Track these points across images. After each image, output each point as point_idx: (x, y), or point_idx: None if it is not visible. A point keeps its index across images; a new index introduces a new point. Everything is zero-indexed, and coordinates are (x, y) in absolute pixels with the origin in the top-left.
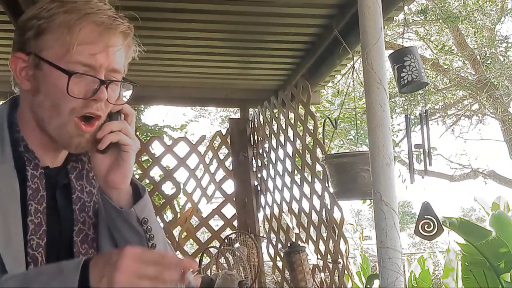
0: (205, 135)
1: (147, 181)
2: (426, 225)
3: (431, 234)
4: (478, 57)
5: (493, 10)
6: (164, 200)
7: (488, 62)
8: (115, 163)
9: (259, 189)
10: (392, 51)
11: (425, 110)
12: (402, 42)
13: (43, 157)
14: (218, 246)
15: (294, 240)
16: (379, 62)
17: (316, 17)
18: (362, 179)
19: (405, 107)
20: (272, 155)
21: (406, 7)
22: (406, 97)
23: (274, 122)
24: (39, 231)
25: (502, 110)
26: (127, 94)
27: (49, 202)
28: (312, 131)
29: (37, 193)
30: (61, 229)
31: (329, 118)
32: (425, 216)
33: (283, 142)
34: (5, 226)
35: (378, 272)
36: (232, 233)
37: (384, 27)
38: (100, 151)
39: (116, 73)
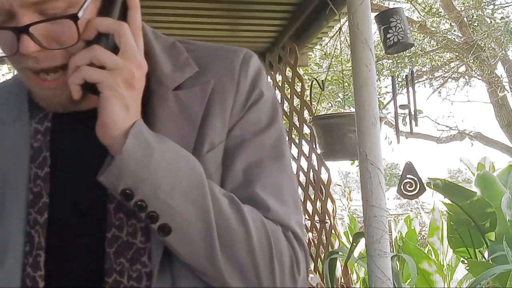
0: None
1: None
2: (408, 185)
3: (413, 193)
4: (465, 19)
5: None
6: None
7: (475, 24)
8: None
9: None
10: (379, 12)
11: (411, 71)
12: (388, 4)
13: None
14: None
15: None
16: (365, 23)
17: None
18: (349, 139)
19: (392, 69)
20: None
21: None
22: (394, 60)
23: None
24: (37, 203)
25: (489, 72)
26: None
27: (61, 162)
28: (299, 93)
29: (39, 154)
30: (81, 199)
31: (316, 80)
32: (408, 176)
33: None
34: (2, 198)
35: (364, 230)
36: None
37: None
38: (94, 93)
39: (44, 4)
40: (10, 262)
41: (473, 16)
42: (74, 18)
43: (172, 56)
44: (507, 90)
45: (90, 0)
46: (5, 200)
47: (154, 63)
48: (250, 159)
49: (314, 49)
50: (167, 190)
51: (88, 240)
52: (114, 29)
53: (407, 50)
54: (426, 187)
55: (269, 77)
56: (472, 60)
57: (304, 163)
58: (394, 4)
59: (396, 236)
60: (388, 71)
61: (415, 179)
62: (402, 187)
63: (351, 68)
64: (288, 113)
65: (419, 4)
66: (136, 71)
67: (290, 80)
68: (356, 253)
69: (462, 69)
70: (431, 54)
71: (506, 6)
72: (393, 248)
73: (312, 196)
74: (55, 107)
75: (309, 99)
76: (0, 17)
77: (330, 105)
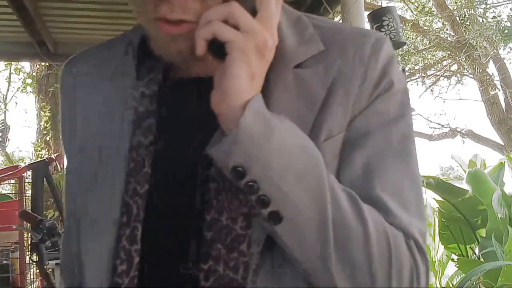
0: None
1: None
2: None
3: None
4: (457, 18)
5: None
6: None
7: (467, 23)
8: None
9: None
10: (372, 11)
11: (403, 69)
12: (381, 3)
13: (188, 64)
14: None
15: None
16: (358, 21)
17: None
18: None
19: None
20: None
21: None
22: None
23: None
24: (138, 173)
25: (480, 70)
26: None
27: (167, 132)
28: None
29: (144, 120)
30: (185, 173)
31: None
32: None
33: None
34: (98, 163)
35: None
36: None
37: None
38: (214, 57)
39: None
40: (103, 232)
41: (465, 15)
42: None
43: (298, 29)
44: (498, 89)
45: None
46: (99, 168)
47: (278, 36)
48: (372, 153)
49: None
50: (280, 173)
51: (186, 220)
52: None
53: (400, 49)
54: None
55: None
56: (464, 59)
57: None
58: (387, 3)
59: None
60: None
61: None
62: None
63: None
64: None
65: (412, 3)
66: (269, 39)
67: None
68: None
69: (454, 67)
70: (424, 52)
71: (498, 6)
72: None
73: None
74: (171, 56)
75: None
76: None
77: None
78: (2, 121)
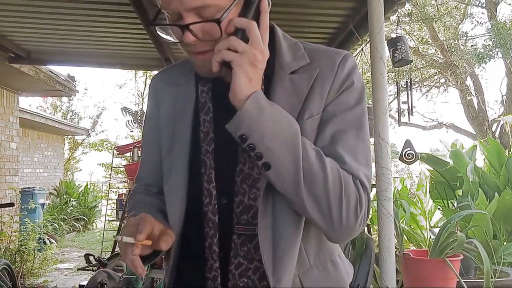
0: None
1: None
2: (407, 155)
3: (411, 160)
4: (446, 46)
5: (457, 14)
6: None
7: (453, 50)
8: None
9: None
10: (390, 39)
11: (410, 79)
12: (395, 34)
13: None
14: None
15: None
16: (381, 45)
17: (337, 15)
18: (369, 123)
19: (395, 79)
20: None
21: (399, 10)
22: (395, 72)
23: None
24: (207, 139)
25: (461, 82)
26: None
27: (218, 114)
28: None
29: (205, 106)
30: (227, 138)
31: None
32: (407, 149)
33: None
34: (172, 136)
35: (375, 183)
36: None
37: (383, 23)
38: (225, 71)
39: (200, 9)
40: (175, 181)
41: (451, 44)
42: (218, 21)
43: (293, 51)
44: (473, 95)
45: (234, 6)
46: (174, 139)
47: (279, 54)
48: (337, 128)
49: None
50: (270, 138)
51: (226, 170)
52: (246, 26)
53: (406, 66)
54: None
55: None
56: (449, 74)
57: None
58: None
59: (394, 191)
60: (391, 80)
61: (412, 151)
62: (403, 156)
63: (369, 76)
64: None
65: (414, 35)
66: (258, 55)
67: None
68: None
69: (442, 80)
70: (421, 69)
71: (475, 38)
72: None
73: None
74: (205, 73)
75: None
76: (173, 17)
77: None
78: (141, 110)
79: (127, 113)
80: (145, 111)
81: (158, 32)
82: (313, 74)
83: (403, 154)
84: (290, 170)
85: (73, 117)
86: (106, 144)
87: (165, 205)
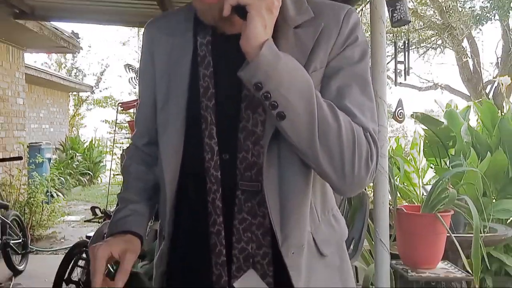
0: None
1: None
2: (399, 113)
3: (402, 119)
4: (444, 8)
5: None
6: None
7: (451, 11)
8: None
9: None
10: None
11: (408, 40)
12: None
13: (223, 25)
14: None
15: None
16: (381, 5)
17: None
18: None
19: (393, 39)
20: None
21: None
22: (394, 33)
23: None
24: (207, 94)
25: (457, 44)
26: None
27: (219, 68)
28: None
29: (204, 59)
30: (229, 93)
31: None
32: (399, 108)
33: None
34: (167, 89)
35: None
36: None
37: None
38: (238, 16)
39: None
40: (171, 135)
41: (449, 6)
42: None
43: (297, 4)
44: (469, 57)
45: None
46: (170, 91)
47: (283, 8)
48: (342, 82)
49: None
50: (287, 87)
51: (229, 126)
52: None
53: (404, 26)
54: (410, 118)
55: None
56: (447, 36)
57: None
58: None
59: (389, 149)
60: (389, 41)
61: (403, 110)
62: (396, 115)
63: (369, 36)
64: None
65: None
66: (275, 1)
67: None
68: None
69: (439, 42)
70: (419, 31)
71: (472, 0)
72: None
73: None
74: (209, 20)
75: None
76: None
77: None
78: None
79: (130, 70)
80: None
81: None
82: (317, 29)
83: (396, 113)
84: (305, 120)
85: (77, 74)
86: (110, 101)
87: (153, 179)
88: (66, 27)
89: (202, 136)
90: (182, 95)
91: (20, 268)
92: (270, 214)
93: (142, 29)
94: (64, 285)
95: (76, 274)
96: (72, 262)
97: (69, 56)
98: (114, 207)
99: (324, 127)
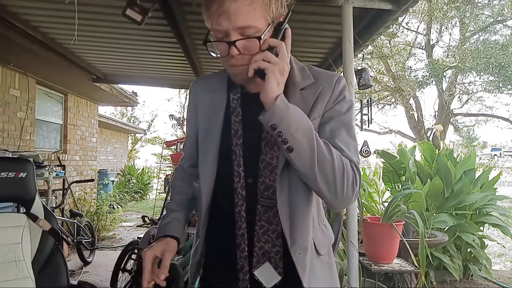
0: None
1: None
2: (365, 151)
3: (367, 155)
4: (395, 76)
5: (404, 54)
6: None
7: (401, 78)
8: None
9: None
10: (356, 69)
11: (370, 98)
12: (361, 65)
13: (248, 85)
14: None
15: None
16: (351, 74)
17: (320, 53)
18: None
19: (359, 98)
20: None
21: (364, 49)
22: (360, 94)
23: None
24: (236, 135)
25: (406, 101)
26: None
27: (246, 116)
28: None
29: (235, 110)
30: (253, 135)
31: None
32: (364, 146)
33: None
34: (207, 129)
35: None
36: None
37: (353, 58)
38: (259, 78)
39: (244, 29)
40: (208, 161)
41: (400, 75)
42: (259, 38)
43: (301, 72)
44: (414, 111)
45: (268, 29)
46: (208, 131)
47: (291, 74)
48: (334, 127)
49: None
50: (294, 128)
51: (252, 158)
52: (277, 44)
53: (367, 89)
54: (372, 153)
55: None
56: (398, 96)
57: None
58: (364, 67)
59: None
60: (357, 99)
61: (368, 148)
62: (361, 152)
63: None
64: None
65: (374, 68)
66: (285, 66)
67: None
68: None
69: (393, 100)
70: (378, 92)
71: (416, 70)
72: None
73: None
74: (239, 81)
75: None
76: (220, 34)
77: None
78: (182, 116)
79: (173, 118)
80: (185, 117)
81: (209, 48)
82: (317, 90)
83: (362, 150)
84: (307, 153)
85: (134, 121)
86: (157, 140)
87: (191, 192)
88: (128, 88)
89: (233, 165)
90: (217, 135)
91: (89, 260)
92: (282, 223)
93: (182, 89)
94: (120, 273)
95: (130, 265)
96: (127, 256)
97: (129, 108)
98: (159, 215)
99: (322, 158)
